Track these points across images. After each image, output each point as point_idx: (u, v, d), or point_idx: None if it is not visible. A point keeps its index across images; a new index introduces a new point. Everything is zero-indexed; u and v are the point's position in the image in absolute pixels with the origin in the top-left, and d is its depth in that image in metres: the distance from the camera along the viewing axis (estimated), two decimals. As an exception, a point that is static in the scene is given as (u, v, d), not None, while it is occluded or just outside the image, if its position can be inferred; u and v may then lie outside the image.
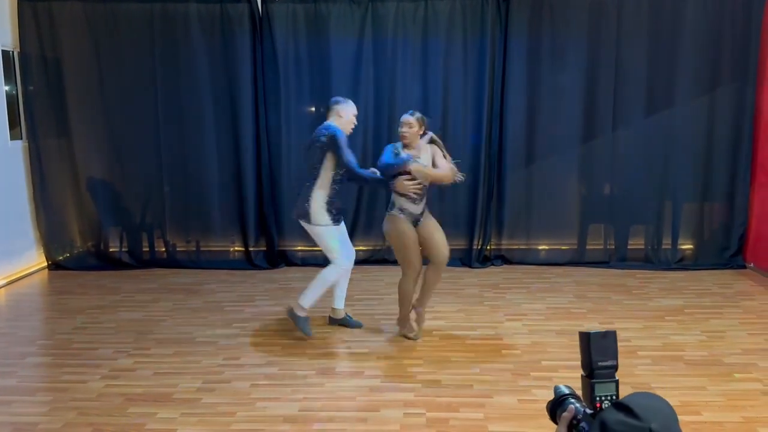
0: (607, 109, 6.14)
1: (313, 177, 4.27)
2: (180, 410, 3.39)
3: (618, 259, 6.31)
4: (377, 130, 6.30)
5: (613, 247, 6.36)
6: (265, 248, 6.45)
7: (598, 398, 1.27)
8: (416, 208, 4.17)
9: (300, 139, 6.06)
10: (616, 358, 1.29)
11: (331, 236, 4.33)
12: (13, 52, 6.13)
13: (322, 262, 4.84)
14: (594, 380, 1.28)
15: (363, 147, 6.18)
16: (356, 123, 4.44)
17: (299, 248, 6.51)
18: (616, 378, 1.28)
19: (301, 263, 6.41)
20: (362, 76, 6.20)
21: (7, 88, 6.03)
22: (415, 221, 4.19)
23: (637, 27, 6.00)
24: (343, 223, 4.47)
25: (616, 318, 4.76)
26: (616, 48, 6.03)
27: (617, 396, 1.26)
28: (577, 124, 6.21)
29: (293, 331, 4.48)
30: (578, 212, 6.43)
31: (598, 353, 1.28)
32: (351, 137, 4.39)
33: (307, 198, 4.28)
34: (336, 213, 4.33)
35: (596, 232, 6.40)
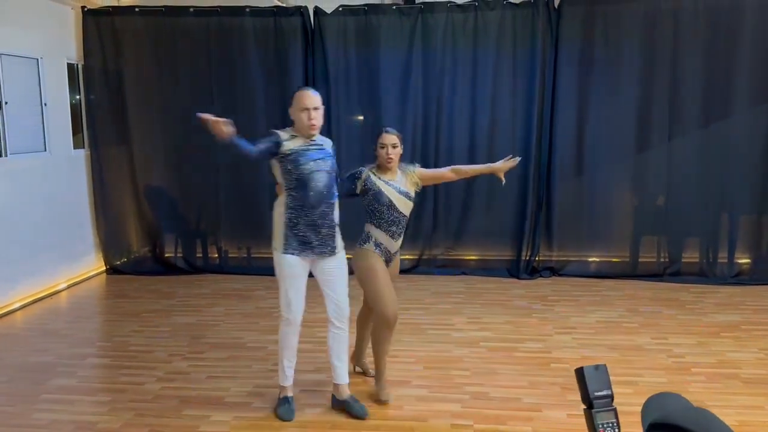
0: (662, 119, 6.02)
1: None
2: (232, 414, 3.48)
3: (672, 272, 6.15)
4: (425, 140, 6.33)
5: (667, 260, 6.21)
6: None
7: (600, 425, 1.39)
8: (393, 245, 3.59)
9: (349, 148, 6.15)
10: (611, 389, 1.43)
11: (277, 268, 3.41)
12: (77, 64, 6.41)
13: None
14: (594, 410, 1.41)
15: (411, 158, 6.20)
16: (310, 118, 3.38)
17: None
18: (614, 406, 1.41)
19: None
20: (411, 86, 6.24)
21: (70, 98, 6.32)
22: (388, 260, 3.59)
23: (694, 34, 5.87)
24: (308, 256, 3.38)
25: (668, 333, 4.63)
26: (671, 55, 5.92)
27: (617, 423, 1.39)
28: (631, 134, 6.11)
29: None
30: (631, 224, 6.31)
31: (593, 384, 1.43)
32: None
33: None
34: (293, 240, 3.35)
35: (649, 245, 6.26)
